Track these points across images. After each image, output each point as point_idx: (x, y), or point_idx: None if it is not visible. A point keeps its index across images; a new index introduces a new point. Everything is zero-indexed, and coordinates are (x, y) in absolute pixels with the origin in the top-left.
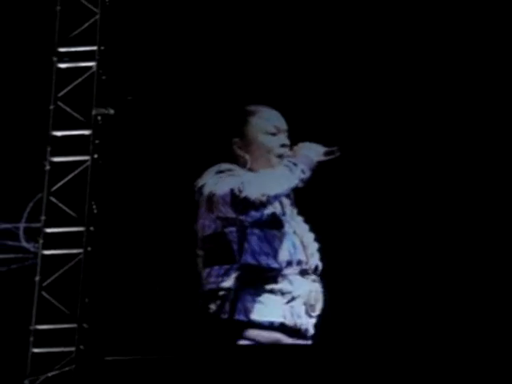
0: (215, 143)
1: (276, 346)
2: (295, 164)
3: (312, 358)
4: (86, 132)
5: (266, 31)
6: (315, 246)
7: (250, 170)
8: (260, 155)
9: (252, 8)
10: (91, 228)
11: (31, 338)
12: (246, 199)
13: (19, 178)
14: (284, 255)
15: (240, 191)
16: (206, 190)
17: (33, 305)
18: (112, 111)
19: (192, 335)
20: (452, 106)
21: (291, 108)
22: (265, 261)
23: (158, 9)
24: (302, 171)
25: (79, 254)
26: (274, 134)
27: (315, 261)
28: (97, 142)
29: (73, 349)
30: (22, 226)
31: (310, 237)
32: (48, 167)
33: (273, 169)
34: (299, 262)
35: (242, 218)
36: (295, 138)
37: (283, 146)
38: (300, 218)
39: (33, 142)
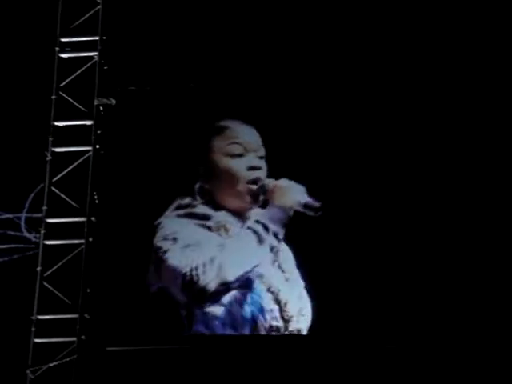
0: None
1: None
2: (266, 228)
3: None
4: (88, 122)
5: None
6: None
7: (218, 205)
8: (226, 185)
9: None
10: (93, 218)
11: (33, 328)
12: (202, 291)
13: (21, 168)
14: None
15: (194, 280)
16: (158, 244)
17: (34, 295)
18: (114, 101)
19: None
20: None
21: (270, 120)
22: (220, 330)
23: None
24: (275, 235)
25: (81, 244)
26: (240, 156)
27: (295, 324)
28: (98, 132)
29: (74, 339)
30: (23, 216)
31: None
32: (50, 157)
33: (238, 238)
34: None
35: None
36: (273, 157)
37: (252, 168)
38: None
39: (34, 132)
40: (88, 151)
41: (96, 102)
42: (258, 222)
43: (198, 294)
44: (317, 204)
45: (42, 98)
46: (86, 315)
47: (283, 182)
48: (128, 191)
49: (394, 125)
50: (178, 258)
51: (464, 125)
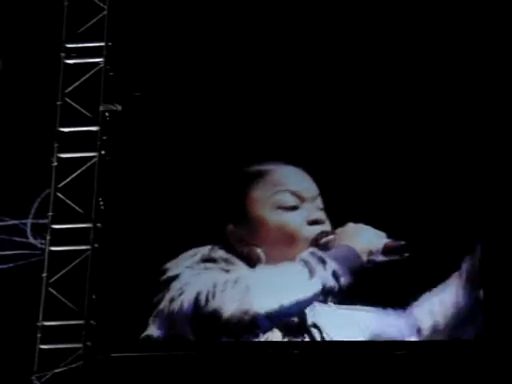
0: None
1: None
2: (323, 261)
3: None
4: (94, 128)
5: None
6: None
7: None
8: (281, 245)
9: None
10: (98, 224)
11: (38, 335)
12: (213, 315)
13: (26, 174)
14: None
15: (207, 300)
16: (170, 297)
17: (40, 301)
18: (119, 107)
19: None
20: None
21: (322, 162)
22: None
23: (165, 5)
24: (334, 274)
25: (86, 250)
26: (294, 208)
27: None
28: (104, 138)
29: (80, 345)
30: (29, 222)
31: None
32: (55, 163)
33: (284, 265)
34: None
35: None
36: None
37: (314, 222)
38: None
39: (40, 138)
40: (94, 157)
41: (101, 108)
42: (313, 254)
43: (209, 323)
44: (400, 243)
45: (47, 103)
46: (91, 321)
47: (354, 225)
48: (134, 197)
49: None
50: (191, 291)
51: (463, 124)
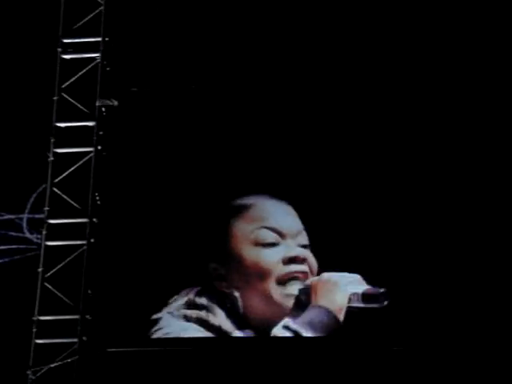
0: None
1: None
2: (295, 333)
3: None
4: (90, 123)
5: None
6: None
7: (244, 314)
8: (254, 283)
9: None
10: (94, 219)
11: (34, 329)
12: None
13: (22, 169)
14: None
15: None
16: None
17: (36, 296)
18: (116, 103)
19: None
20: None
21: (309, 197)
22: None
23: (163, 0)
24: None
25: (82, 245)
26: (273, 244)
27: None
28: (100, 133)
29: (75, 340)
30: (25, 216)
31: None
32: (51, 158)
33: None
34: None
35: None
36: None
37: (290, 261)
38: None
39: (36, 133)
40: (90, 152)
41: (98, 103)
42: (287, 328)
43: None
44: (379, 290)
45: (43, 98)
46: (87, 316)
47: (329, 276)
48: (130, 192)
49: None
50: None
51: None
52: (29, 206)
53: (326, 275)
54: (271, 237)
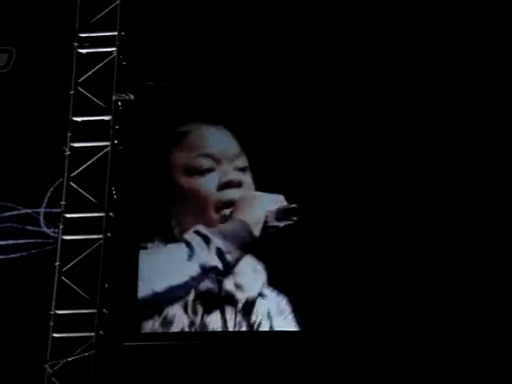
0: None
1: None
2: (207, 240)
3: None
4: (106, 117)
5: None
6: None
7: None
8: (193, 212)
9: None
10: (111, 213)
11: (51, 323)
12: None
13: (39, 164)
14: None
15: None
16: None
17: (53, 290)
18: (132, 97)
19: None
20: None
21: (248, 118)
22: None
23: None
24: (218, 252)
25: (99, 239)
26: (210, 170)
27: None
28: (117, 127)
29: (92, 334)
30: (42, 211)
31: None
32: (68, 152)
33: (169, 248)
34: None
35: None
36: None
37: (225, 186)
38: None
39: (53, 127)
40: (106, 146)
41: (114, 98)
42: (197, 233)
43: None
44: (292, 206)
45: (60, 93)
46: (104, 310)
47: (253, 193)
48: (146, 186)
49: (372, 120)
50: None
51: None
52: (46, 200)
53: (250, 193)
54: (206, 164)
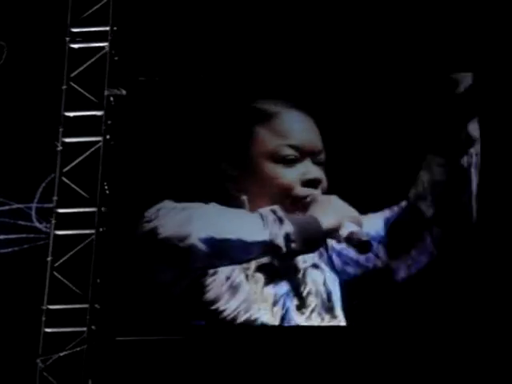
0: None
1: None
2: (280, 220)
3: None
4: (98, 113)
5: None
6: None
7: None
8: (265, 197)
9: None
10: (103, 209)
11: (43, 318)
12: (149, 235)
13: (31, 159)
14: None
15: (149, 222)
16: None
17: (45, 285)
18: (124, 92)
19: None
20: None
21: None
22: None
23: None
24: (286, 237)
25: (91, 234)
26: (293, 162)
27: None
28: (109, 122)
29: (84, 329)
30: (34, 206)
31: None
32: (60, 148)
33: (240, 211)
34: None
35: None
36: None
37: (310, 184)
38: None
39: (45, 122)
40: (98, 142)
41: (106, 93)
42: (273, 211)
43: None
44: (364, 237)
45: (52, 88)
46: (96, 305)
47: (335, 199)
48: (138, 182)
49: None
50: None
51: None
52: (38, 196)
53: (332, 196)
54: (292, 154)
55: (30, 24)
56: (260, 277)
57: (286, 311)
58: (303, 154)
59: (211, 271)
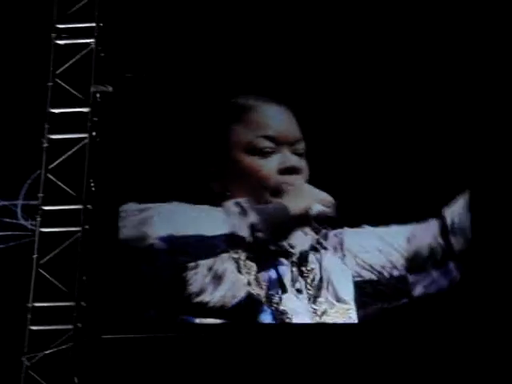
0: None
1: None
2: (244, 212)
3: None
4: (84, 109)
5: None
6: None
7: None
8: (249, 191)
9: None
10: (89, 206)
11: (29, 316)
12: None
13: (17, 156)
14: None
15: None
16: None
17: (30, 282)
18: (110, 88)
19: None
20: None
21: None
22: None
23: None
24: (252, 227)
25: (77, 231)
26: (270, 153)
27: None
28: (95, 119)
29: (70, 327)
30: (19, 203)
31: None
32: (46, 144)
33: (203, 207)
34: None
35: None
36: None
37: (287, 171)
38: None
39: (31, 119)
40: (84, 138)
41: (92, 89)
42: (237, 204)
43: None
44: (331, 214)
45: (38, 84)
46: (82, 303)
47: (307, 186)
48: (124, 179)
49: None
50: None
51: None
52: (23, 193)
53: (305, 184)
54: (269, 146)
55: (16, 20)
56: (252, 265)
57: (279, 294)
58: (280, 144)
59: (192, 264)
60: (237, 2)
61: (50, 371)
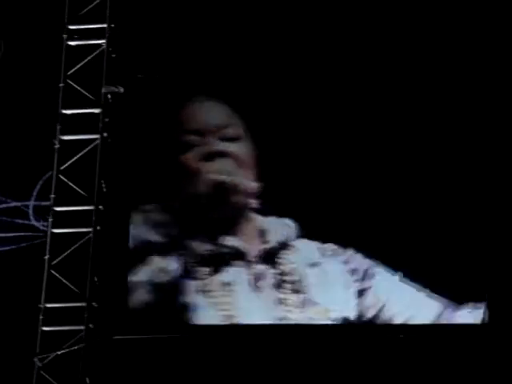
0: None
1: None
2: None
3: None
4: (96, 110)
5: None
6: None
7: None
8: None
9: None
10: (100, 207)
11: (41, 317)
12: None
13: (29, 156)
14: None
15: None
16: None
17: (42, 283)
18: (122, 89)
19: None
20: None
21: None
22: None
23: None
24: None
25: (88, 232)
26: (193, 146)
27: None
28: (106, 120)
29: (82, 327)
30: (31, 204)
31: None
32: (57, 145)
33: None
34: None
35: None
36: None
37: (211, 156)
38: None
39: (42, 120)
40: (96, 139)
41: (104, 90)
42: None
43: None
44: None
45: (49, 85)
46: (93, 304)
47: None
48: (136, 179)
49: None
50: None
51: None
52: (35, 194)
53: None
54: (193, 139)
55: (28, 21)
56: (204, 269)
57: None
58: (205, 134)
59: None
60: (241, 2)
61: (62, 372)
